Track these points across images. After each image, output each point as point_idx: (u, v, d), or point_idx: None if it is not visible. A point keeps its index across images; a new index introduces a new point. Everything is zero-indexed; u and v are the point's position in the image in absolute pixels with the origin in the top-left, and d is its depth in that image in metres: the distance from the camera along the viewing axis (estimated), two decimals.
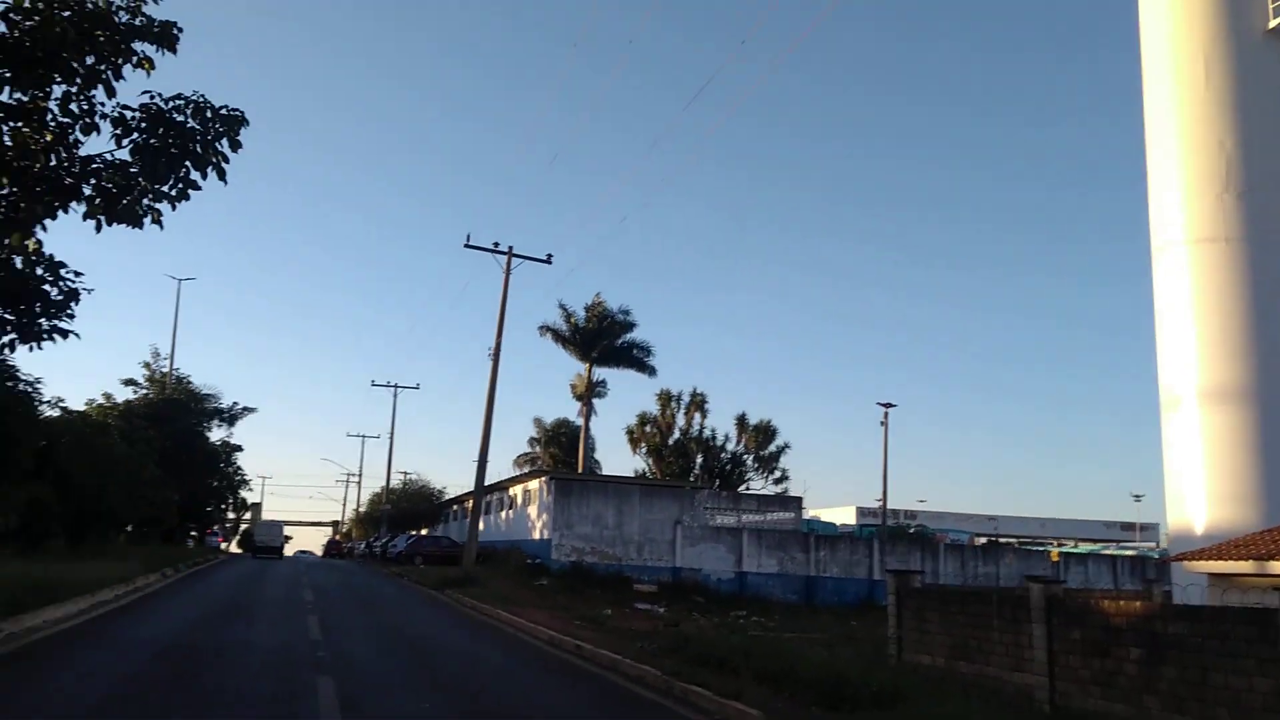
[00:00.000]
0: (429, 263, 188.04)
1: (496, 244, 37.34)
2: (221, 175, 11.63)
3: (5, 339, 12.29)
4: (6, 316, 11.87)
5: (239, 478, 60.12)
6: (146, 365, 55.21)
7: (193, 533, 62.11)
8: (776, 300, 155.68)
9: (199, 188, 11.61)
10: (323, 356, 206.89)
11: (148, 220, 11.19)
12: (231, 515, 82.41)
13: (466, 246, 36.98)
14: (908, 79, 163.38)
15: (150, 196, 11.30)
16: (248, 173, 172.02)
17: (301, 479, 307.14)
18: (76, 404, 39.12)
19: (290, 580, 32.42)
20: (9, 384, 13.70)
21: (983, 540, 60.95)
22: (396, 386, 70.09)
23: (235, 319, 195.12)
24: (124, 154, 11.36)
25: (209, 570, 37.60)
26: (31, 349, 12.36)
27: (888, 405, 51.18)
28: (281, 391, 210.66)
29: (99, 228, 10.96)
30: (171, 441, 46.52)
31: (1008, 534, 79.12)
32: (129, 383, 53.61)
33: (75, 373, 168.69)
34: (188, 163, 11.40)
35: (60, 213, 10.95)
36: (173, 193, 11.46)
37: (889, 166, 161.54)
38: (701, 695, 11.55)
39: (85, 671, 11.24)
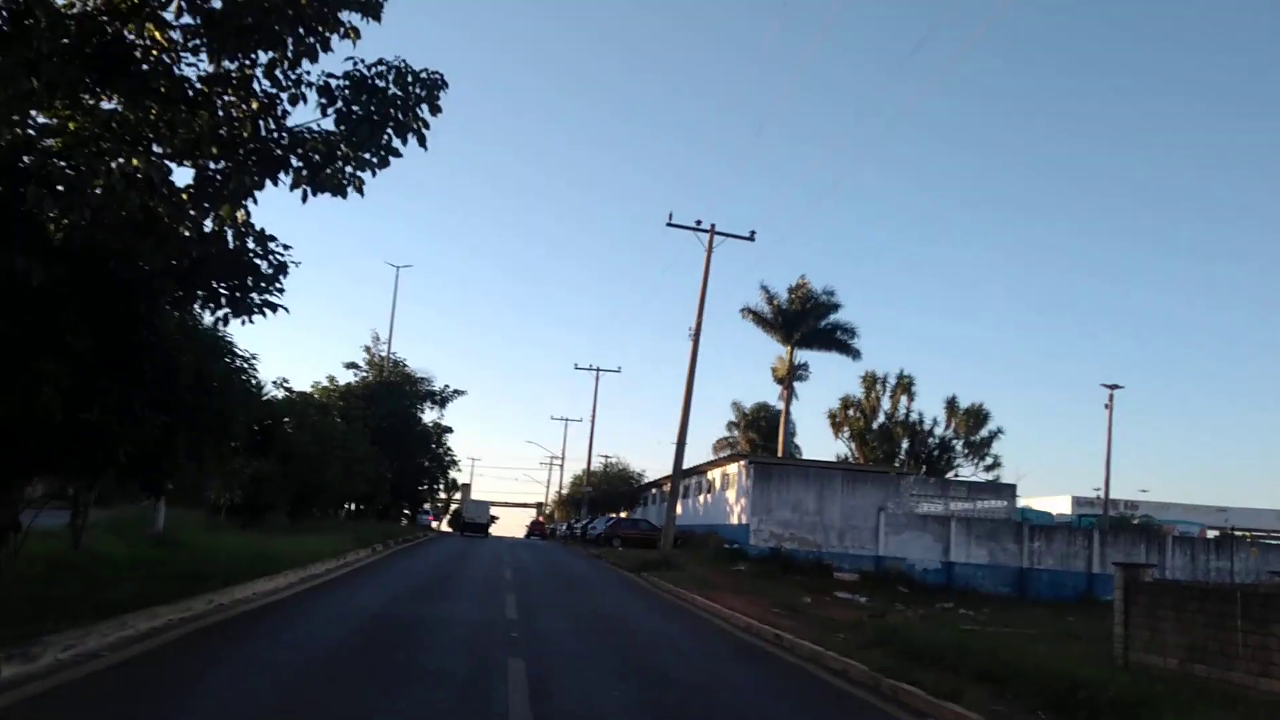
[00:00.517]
0: (632, 241, 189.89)
1: (699, 222, 36.89)
2: (422, 141, 11.48)
3: (220, 313, 12.65)
4: (221, 290, 12.14)
5: (449, 458, 62.32)
6: (367, 349, 58.00)
7: (405, 510, 64.89)
8: (989, 281, 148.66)
9: (399, 154, 11.51)
10: (528, 340, 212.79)
11: (350, 189, 11.16)
12: (443, 495, 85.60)
13: (669, 225, 36.71)
14: (1124, 65, 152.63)
15: (353, 165, 11.27)
16: (449, 156, 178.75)
17: (508, 460, 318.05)
18: (300, 386, 41.23)
19: (493, 559, 33.07)
20: (226, 359, 14.09)
21: (1214, 533, 56.14)
22: (598, 370, 71.01)
23: (444, 303, 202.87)
24: (328, 123, 11.39)
25: (418, 547, 38.92)
26: (244, 323, 12.65)
27: (1113, 387, 47.86)
28: (489, 375, 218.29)
29: (305, 198, 11.00)
30: (387, 421, 48.60)
31: (1240, 526, 72.75)
32: (351, 366, 56.50)
33: (299, 358, 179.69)
34: (389, 129, 11.32)
35: (269, 184, 11.04)
36: (374, 160, 11.41)
37: (1105, 153, 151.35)
38: (913, 694, 10.61)
39: (284, 644, 11.37)
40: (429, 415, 58.10)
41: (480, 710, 8.51)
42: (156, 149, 10.71)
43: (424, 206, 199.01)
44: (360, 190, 11.17)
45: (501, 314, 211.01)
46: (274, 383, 34.55)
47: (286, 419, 32.44)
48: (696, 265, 39.62)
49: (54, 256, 11.03)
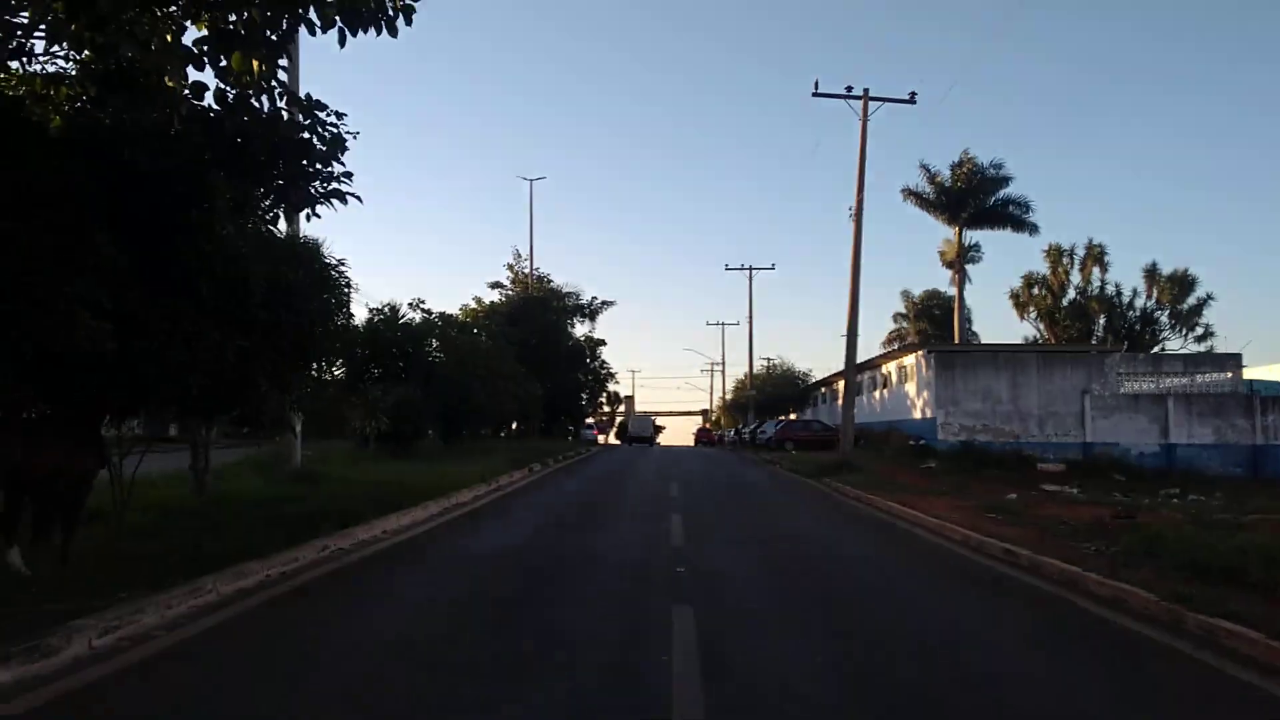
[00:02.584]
0: (773, 125, 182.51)
1: (849, 88, 32.85)
2: None
3: (274, 209, 10.32)
4: (278, 181, 9.72)
5: (605, 371, 60.63)
6: (509, 266, 56.42)
7: (569, 427, 63.80)
8: (1179, 132, 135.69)
9: None
10: (676, 246, 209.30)
11: (400, 22, 8.39)
12: (606, 408, 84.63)
13: (815, 95, 32.73)
14: None
15: None
16: (575, 69, 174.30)
17: (668, 370, 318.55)
18: (448, 311, 39.75)
19: (658, 471, 30.79)
20: (311, 266, 11.76)
21: None
22: (751, 269, 67.53)
23: (584, 215, 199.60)
24: None
25: (580, 463, 37.12)
26: (309, 217, 10.33)
27: None
28: (639, 285, 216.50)
29: (342, 40, 8.31)
30: (535, 338, 46.94)
31: None
32: (495, 285, 55.11)
33: (446, 286, 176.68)
34: None
35: (291, 23, 8.38)
36: None
37: None
38: (1241, 637, 7.44)
39: (387, 608, 9.00)
40: (580, 329, 56.36)
41: (630, 702, 5.94)
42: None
43: (550, 115, 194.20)
44: (409, 18, 8.39)
45: (645, 222, 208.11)
46: (410, 304, 33.10)
47: (428, 340, 30.89)
48: (848, 143, 35.53)
49: (53, 148, 8.85)
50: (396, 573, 10.79)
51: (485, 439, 39.06)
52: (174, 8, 8.32)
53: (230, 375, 10.25)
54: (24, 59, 8.36)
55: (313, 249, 12.27)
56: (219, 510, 14.36)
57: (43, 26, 6.41)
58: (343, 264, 12.51)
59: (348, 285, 12.53)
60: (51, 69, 8.97)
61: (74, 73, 8.45)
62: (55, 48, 7.79)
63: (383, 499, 15.96)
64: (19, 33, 7.59)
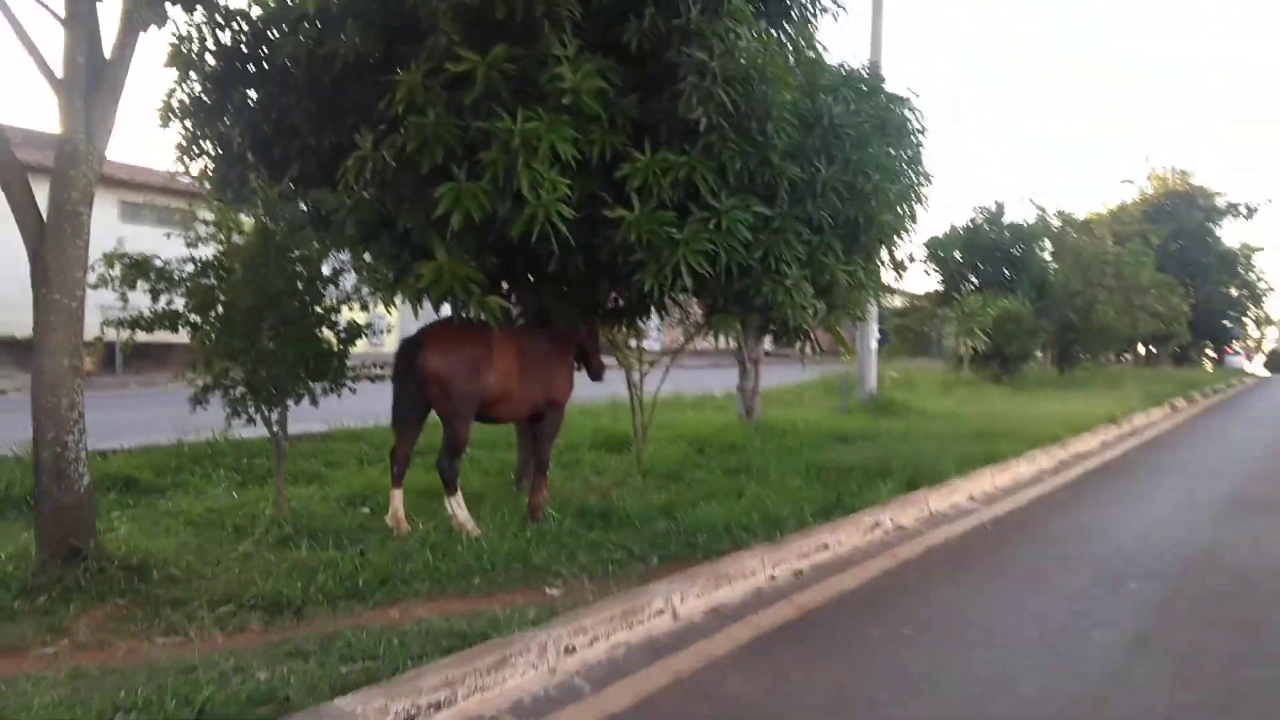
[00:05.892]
0: None
1: None
2: None
3: None
4: None
5: (1260, 284, 49.05)
6: (1144, 159, 47.71)
7: (1208, 353, 53.32)
8: None
9: None
10: None
11: None
12: (1254, 332, 70.39)
13: None
14: None
15: None
16: None
17: None
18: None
19: None
20: (876, 100, 7.78)
21: None
22: None
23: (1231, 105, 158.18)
24: None
25: (1237, 400, 29.23)
26: None
27: None
28: None
29: None
30: (1176, 244, 38.60)
31: None
32: (1125, 181, 46.77)
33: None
34: None
35: None
36: None
37: None
38: None
39: (960, 665, 4.79)
40: (1230, 233, 45.81)
41: None
42: None
43: None
44: None
45: None
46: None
47: (1037, 242, 25.65)
48: None
49: None
50: (975, 588, 6.50)
51: (1106, 366, 32.58)
52: None
53: (738, 259, 6.67)
54: None
55: (869, 77, 8.24)
56: (761, 444, 11.35)
57: None
58: (915, 97, 8.32)
59: (920, 131, 8.32)
60: None
61: None
62: None
63: (972, 443, 11.79)
64: None
